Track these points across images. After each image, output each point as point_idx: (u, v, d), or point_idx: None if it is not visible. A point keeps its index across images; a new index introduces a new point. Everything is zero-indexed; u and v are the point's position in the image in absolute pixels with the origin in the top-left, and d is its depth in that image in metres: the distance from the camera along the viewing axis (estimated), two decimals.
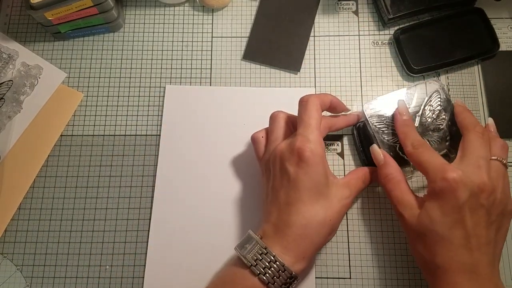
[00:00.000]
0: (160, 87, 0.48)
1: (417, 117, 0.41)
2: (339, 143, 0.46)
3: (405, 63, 0.47)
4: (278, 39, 0.49)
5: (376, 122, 0.41)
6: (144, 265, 0.42)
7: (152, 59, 0.49)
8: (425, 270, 0.35)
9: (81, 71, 0.48)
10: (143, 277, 0.42)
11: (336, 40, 0.49)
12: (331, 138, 0.46)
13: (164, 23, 0.50)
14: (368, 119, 0.41)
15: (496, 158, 0.36)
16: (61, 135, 0.46)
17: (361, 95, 0.47)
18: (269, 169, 0.38)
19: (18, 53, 0.48)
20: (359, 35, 0.49)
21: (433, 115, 0.41)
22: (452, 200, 0.32)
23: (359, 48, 0.49)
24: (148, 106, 0.47)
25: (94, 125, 0.47)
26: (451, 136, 0.41)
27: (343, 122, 0.42)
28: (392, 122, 0.41)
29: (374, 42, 0.49)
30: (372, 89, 0.47)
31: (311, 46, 0.49)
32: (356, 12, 0.50)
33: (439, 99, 0.41)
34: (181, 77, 0.48)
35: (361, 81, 0.47)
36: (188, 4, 0.51)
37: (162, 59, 0.49)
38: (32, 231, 0.44)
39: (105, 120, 0.47)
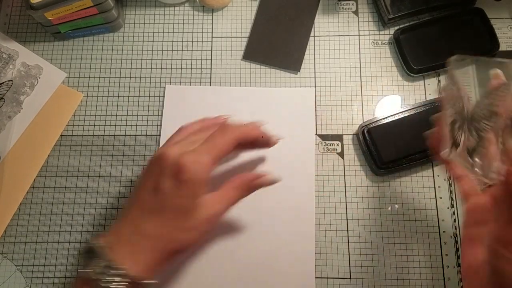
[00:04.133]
0: (160, 87, 0.48)
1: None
2: (339, 143, 0.46)
3: (405, 63, 0.47)
4: (278, 39, 0.49)
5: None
6: None
7: (152, 59, 0.49)
8: None
9: (81, 71, 0.48)
10: None
11: (336, 40, 0.49)
12: (331, 138, 0.46)
13: (164, 23, 0.50)
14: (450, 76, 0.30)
15: None
16: (61, 135, 0.46)
17: (361, 95, 0.47)
18: (148, 167, 0.36)
19: (18, 53, 0.48)
20: (359, 35, 0.49)
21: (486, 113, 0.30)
22: None
23: (359, 48, 0.49)
24: (148, 106, 0.47)
25: (94, 125, 0.47)
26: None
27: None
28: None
29: (374, 42, 0.49)
30: (372, 89, 0.47)
31: (311, 46, 0.49)
32: (356, 12, 0.50)
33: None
34: (181, 77, 0.48)
35: (361, 81, 0.47)
36: (188, 4, 0.51)
37: (162, 59, 0.49)
38: (32, 231, 0.44)
39: (105, 120, 0.47)
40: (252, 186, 0.37)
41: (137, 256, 0.32)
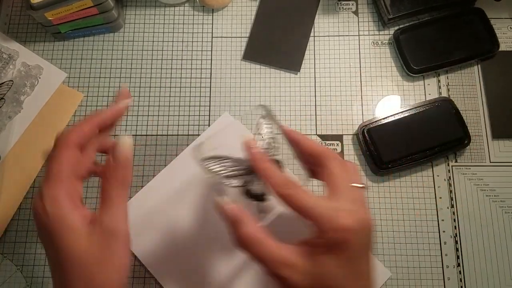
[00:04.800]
0: (160, 87, 0.48)
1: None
2: (339, 143, 0.46)
3: (405, 63, 0.47)
4: (278, 39, 0.49)
5: (217, 166, 0.33)
6: (144, 264, 0.42)
7: (152, 59, 0.49)
8: None
9: (81, 71, 0.49)
10: (143, 277, 0.42)
11: (336, 40, 0.49)
12: (331, 138, 0.46)
13: (164, 23, 0.50)
14: (204, 167, 0.32)
15: (360, 185, 0.31)
16: None
17: (361, 95, 0.47)
18: None
19: (18, 53, 0.48)
20: (359, 35, 0.49)
21: (266, 146, 0.33)
22: (350, 251, 0.27)
23: (359, 48, 0.49)
24: (148, 106, 0.47)
25: None
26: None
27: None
28: (233, 163, 0.33)
29: (374, 42, 0.49)
30: (372, 89, 0.47)
31: (311, 46, 0.49)
32: (356, 12, 0.50)
33: (269, 127, 0.34)
34: (181, 77, 0.48)
35: (361, 81, 0.48)
36: (188, 4, 0.51)
37: (162, 59, 0.49)
38: (32, 231, 0.44)
39: None
40: None
41: None
